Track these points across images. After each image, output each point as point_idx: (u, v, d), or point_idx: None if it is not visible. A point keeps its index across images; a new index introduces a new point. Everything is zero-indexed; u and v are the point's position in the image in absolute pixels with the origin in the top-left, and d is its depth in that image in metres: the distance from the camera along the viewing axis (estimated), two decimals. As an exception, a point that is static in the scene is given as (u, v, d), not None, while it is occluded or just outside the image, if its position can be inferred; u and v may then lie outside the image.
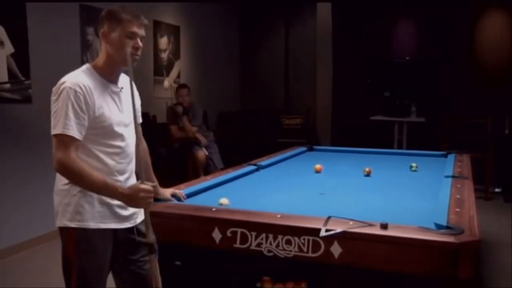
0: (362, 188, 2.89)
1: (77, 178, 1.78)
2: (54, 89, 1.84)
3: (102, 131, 1.87)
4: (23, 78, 4.18)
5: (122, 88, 1.98)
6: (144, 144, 2.19)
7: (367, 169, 3.27)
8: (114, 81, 1.96)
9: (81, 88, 1.80)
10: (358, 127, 7.53)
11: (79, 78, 1.84)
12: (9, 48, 4.04)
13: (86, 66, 1.93)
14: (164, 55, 6.52)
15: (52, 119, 1.81)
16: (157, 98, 6.28)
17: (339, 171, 3.48)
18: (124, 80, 2.03)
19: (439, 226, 1.86)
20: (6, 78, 4.02)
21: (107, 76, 1.92)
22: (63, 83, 1.82)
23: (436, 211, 2.13)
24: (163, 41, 6.49)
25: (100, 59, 1.94)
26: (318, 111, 8.01)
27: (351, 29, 7.85)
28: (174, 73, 6.78)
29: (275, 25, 8.63)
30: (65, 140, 1.77)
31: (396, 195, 2.68)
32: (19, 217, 4.21)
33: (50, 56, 4.44)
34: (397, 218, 1.96)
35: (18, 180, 4.20)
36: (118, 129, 1.91)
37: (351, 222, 1.87)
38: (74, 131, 1.78)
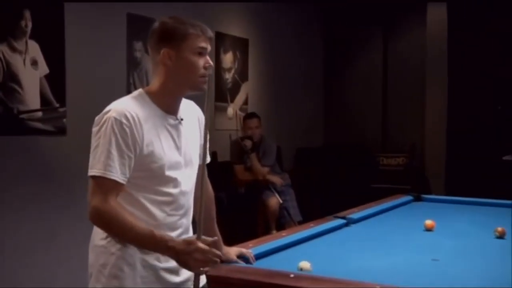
0: (492, 253, 2.77)
1: (116, 228, 1.83)
2: (96, 118, 1.90)
3: (150, 173, 1.91)
4: (57, 105, 4.39)
5: (181, 119, 2.01)
6: (210, 190, 2.22)
7: (499, 229, 3.12)
8: (173, 111, 1.99)
9: (128, 118, 1.85)
10: (485, 170, 7.27)
11: (126, 106, 1.89)
12: (43, 69, 4.27)
13: (138, 92, 1.99)
14: (229, 76, 6.68)
15: (91, 157, 1.86)
16: (219, 130, 6.39)
17: (459, 229, 3.36)
18: (186, 109, 2.06)
19: None
20: (38, 105, 4.24)
21: (164, 105, 1.97)
22: (108, 111, 1.87)
23: None
24: (227, 58, 6.66)
25: (156, 83, 1.98)
26: (428, 148, 7.87)
27: (475, 40, 7.69)
28: (240, 98, 6.91)
29: (371, 38, 8.66)
30: (105, 185, 1.82)
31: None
32: (48, 270, 4.32)
33: (90, 77, 4.66)
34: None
35: (49, 225, 4.36)
36: (170, 172, 1.94)
37: (479, 301, 1.76)
38: (117, 174, 1.83)
